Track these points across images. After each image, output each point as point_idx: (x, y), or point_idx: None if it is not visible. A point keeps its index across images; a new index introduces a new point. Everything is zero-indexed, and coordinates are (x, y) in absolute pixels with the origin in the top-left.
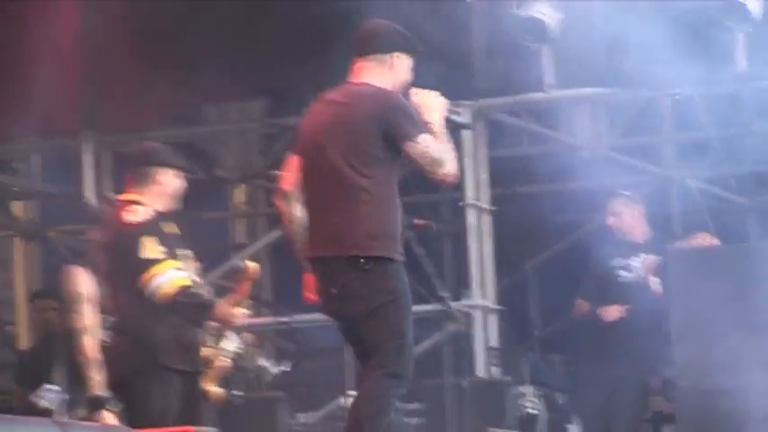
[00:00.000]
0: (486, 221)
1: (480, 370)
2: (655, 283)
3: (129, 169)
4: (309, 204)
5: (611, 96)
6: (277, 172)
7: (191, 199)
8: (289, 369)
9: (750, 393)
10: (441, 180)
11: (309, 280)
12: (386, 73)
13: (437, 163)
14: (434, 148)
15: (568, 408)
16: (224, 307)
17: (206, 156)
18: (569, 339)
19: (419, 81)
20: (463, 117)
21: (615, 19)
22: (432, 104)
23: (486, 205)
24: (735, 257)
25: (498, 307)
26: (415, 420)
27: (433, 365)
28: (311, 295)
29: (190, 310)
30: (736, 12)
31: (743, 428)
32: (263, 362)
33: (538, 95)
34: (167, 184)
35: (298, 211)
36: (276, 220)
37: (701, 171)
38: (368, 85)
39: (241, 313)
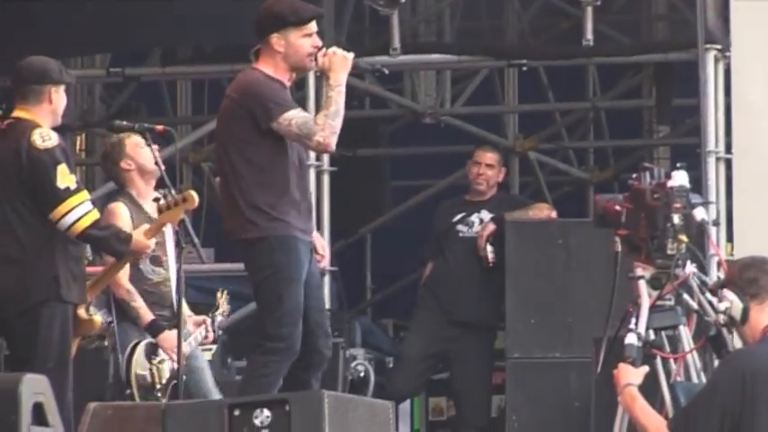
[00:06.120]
0: (325, 182)
1: None
2: (489, 251)
3: (18, 86)
4: None
5: (457, 64)
6: (118, 121)
7: None
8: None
9: (577, 368)
10: (315, 150)
11: None
12: (274, 55)
13: (305, 136)
14: (298, 123)
15: None
16: (140, 238)
17: None
18: (401, 304)
19: None
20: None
21: None
22: (338, 65)
23: (326, 166)
24: (572, 232)
25: (332, 268)
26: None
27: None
28: None
29: (106, 242)
30: None
31: (569, 400)
32: None
33: (383, 59)
34: (59, 103)
35: None
36: None
37: (543, 143)
38: (250, 70)
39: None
